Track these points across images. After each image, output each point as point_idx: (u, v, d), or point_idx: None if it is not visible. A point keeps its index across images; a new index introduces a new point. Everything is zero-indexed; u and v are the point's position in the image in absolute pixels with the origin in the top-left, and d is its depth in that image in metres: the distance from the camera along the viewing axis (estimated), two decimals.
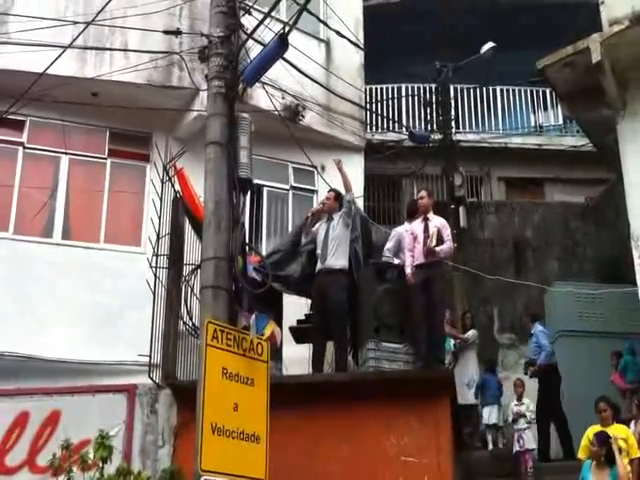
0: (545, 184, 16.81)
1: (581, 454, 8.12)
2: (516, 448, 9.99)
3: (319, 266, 9.05)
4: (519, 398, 10.28)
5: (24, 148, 11.43)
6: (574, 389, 11.53)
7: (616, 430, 8.05)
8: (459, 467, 8.77)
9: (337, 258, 9.02)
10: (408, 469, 7.84)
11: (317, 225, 9.39)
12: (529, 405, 10.11)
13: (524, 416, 10.02)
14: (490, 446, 11.12)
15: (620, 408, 8.69)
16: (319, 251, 9.10)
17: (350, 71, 13.52)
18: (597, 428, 8.10)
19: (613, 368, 11.08)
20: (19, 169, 11.31)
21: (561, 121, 16.87)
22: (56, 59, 8.40)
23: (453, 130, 15.57)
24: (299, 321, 9.72)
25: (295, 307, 9.68)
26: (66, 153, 11.47)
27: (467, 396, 11.27)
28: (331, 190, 9.65)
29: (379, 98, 16.61)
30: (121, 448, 8.33)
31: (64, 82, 9.97)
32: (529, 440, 9.92)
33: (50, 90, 9.61)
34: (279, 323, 9.01)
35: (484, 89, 17.06)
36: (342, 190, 9.42)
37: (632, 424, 8.86)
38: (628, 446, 7.88)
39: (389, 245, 9.50)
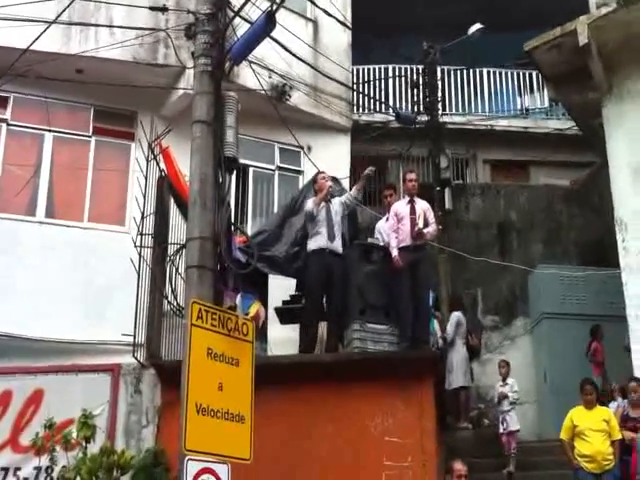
0: (530, 167, 16.83)
1: (563, 435, 8.19)
2: (500, 430, 10.05)
3: (325, 244, 8.92)
4: (504, 379, 10.31)
5: (7, 125, 11.31)
6: (556, 371, 11.65)
7: (599, 412, 8.14)
8: (443, 448, 8.83)
9: (340, 242, 9.06)
10: (392, 449, 7.88)
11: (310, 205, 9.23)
12: (513, 385, 10.14)
13: (507, 397, 10.06)
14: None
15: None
16: (323, 229, 8.97)
17: (337, 51, 13.44)
18: (580, 409, 8.19)
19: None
20: (2, 146, 11.21)
21: (547, 104, 16.85)
22: (40, 35, 8.26)
23: (440, 112, 15.49)
24: (284, 302, 9.70)
25: (281, 288, 9.66)
26: (50, 130, 11.35)
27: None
28: (322, 172, 9.64)
29: (366, 79, 16.54)
30: (105, 428, 8.35)
31: (48, 58, 9.82)
32: (513, 422, 9.97)
33: (34, 66, 9.47)
34: (264, 303, 9.02)
35: (471, 71, 17.02)
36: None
37: (612, 405, 8.97)
38: (610, 428, 7.98)
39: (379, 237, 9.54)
